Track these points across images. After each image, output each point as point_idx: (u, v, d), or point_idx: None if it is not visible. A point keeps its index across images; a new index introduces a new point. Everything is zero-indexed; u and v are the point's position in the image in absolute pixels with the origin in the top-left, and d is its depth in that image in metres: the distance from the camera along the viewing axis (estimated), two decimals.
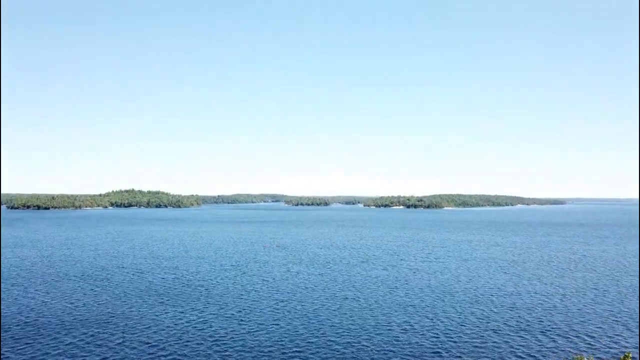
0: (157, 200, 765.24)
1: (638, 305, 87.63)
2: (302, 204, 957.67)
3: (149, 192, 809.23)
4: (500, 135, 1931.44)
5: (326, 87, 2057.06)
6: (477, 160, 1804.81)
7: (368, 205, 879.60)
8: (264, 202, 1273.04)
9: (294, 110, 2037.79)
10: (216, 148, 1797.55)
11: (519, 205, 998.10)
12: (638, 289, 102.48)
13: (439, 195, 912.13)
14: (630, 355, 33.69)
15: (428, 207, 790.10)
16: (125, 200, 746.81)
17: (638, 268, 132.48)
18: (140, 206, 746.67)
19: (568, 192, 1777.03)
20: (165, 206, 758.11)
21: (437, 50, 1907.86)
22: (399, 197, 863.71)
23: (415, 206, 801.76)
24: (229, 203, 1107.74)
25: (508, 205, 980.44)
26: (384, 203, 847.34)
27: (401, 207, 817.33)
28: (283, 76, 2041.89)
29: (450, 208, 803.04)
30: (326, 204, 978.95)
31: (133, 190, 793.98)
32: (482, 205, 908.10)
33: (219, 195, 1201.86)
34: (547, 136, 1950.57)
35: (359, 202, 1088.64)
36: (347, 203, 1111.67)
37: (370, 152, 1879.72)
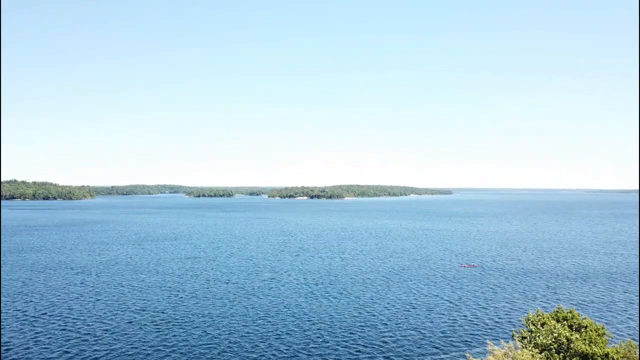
0: (44, 192, 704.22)
1: None
2: (204, 195, 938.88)
3: (34, 183, 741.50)
4: (395, 129, 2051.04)
5: (230, 81, 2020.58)
6: (375, 152, 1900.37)
7: (273, 196, 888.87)
8: (162, 193, 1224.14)
9: (195, 100, 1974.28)
10: (107, 135, 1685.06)
11: (412, 195, 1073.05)
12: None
13: (340, 186, 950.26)
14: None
15: (330, 197, 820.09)
16: (7, 192, 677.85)
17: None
18: (25, 198, 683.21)
19: (454, 183, 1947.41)
20: (55, 198, 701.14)
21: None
22: (302, 187, 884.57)
23: (319, 196, 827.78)
24: (124, 195, 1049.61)
25: (402, 195, 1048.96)
26: (289, 194, 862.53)
27: (305, 197, 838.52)
28: (185, 68, 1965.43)
29: (350, 198, 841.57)
30: (230, 195, 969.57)
31: (15, 180, 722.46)
32: (379, 195, 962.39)
33: (112, 187, 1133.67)
34: (438, 134, 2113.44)
35: (263, 193, 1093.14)
36: (251, 194, 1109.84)
37: (274, 144, 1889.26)
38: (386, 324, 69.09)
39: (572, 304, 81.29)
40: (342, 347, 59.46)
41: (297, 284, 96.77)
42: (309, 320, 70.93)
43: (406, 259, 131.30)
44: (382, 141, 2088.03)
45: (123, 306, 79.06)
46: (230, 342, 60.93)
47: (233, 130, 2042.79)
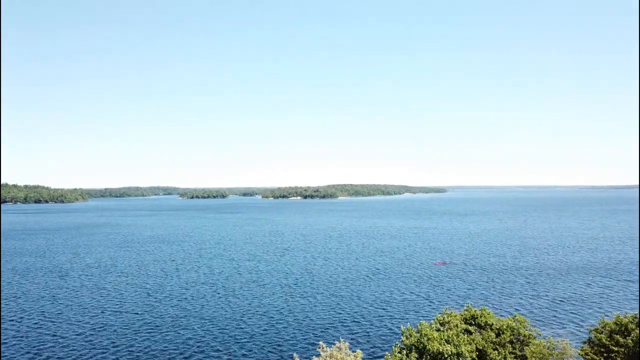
0: (36, 195, 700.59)
1: None
2: (197, 197, 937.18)
3: (25, 186, 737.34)
4: (390, 128, 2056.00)
5: (224, 82, 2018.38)
6: (369, 151, 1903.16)
7: (266, 197, 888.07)
8: (156, 195, 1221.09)
9: (189, 101, 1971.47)
10: (101, 137, 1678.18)
11: (406, 194, 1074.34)
12: None
13: (334, 186, 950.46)
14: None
15: (323, 197, 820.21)
16: None
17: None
18: (16, 202, 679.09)
19: (449, 181, 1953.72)
20: (46, 201, 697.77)
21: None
22: (296, 187, 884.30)
23: (312, 196, 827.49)
24: (117, 197, 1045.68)
25: (397, 193, 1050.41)
26: (282, 194, 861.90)
27: (298, 197, 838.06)
28: (179, 70, 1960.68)
29: (344, 197, 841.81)
30: (223, 196, 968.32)
31: (6, 184, 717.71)
32: (373, 194, 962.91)
33: (105, 189, 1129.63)
34: (433, 132, 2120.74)
35: (256, 194, 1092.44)
36: (244, 195, 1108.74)
37: (268, 145, 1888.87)
38: (357, 322, 68.91)
39: (546, 300, 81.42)
40: (309, 344, 59.14)
41: (276, 285, 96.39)
42: (282, 320, 70.62)
43: (389, 257, 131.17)
44: (376, 140, 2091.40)
45: (97, 309, 78.43)
46: (201, 344, 60.50)
47: (228, 131, 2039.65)
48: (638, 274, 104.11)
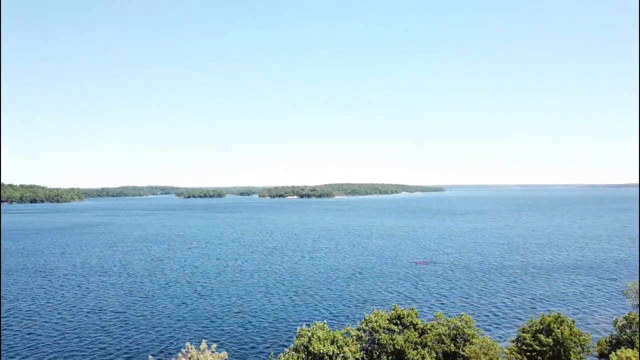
0: (32, 195, 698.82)
1: None
2: (194, 196, 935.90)
3: (21, 186, 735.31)
4: (388, 127, 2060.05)
5: (221, 82, 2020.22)
6: (367, 150, 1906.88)
7: (263, 196, 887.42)
8: (153, 194, 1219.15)
9: (187, 101, 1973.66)
10: (98, 136, 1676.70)
11: (404, 193, 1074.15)
12: None
13: (330, 185, 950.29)
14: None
15: (320, 196, 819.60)
16: None
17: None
18: (12, 202, 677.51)
19: (447, 180, 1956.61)
20: (42, 201, 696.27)
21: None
22: (292, 187, 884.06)
23: (309, 195, 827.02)
24: (114, 197, 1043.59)
25: (394, 192, 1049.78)
26: (279, 193, 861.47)
27: (295, 197, 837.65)
28: (176, 69, 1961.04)
29: (341, 197, 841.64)
30: (220, 195, 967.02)
31: (3, 184, 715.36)
32: (370, 194, 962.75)
33: (103, 188, 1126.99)
34: (431, 131, 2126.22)
35: (254, 193, 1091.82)
36: (242, 194, 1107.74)
37: (264, 143, 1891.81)
38: (331, 321, 68.65)
39: (527, 298, 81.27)
40: (279, 346, 58.92)
41: (258, 285, 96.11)
42: (259, 320, 70.40)
43: (375, 256, 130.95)
44: (375, 140, 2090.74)
45: (77, 308, 78.13)
46: (174, 343, 60.23)
47: (226, 131, 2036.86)
48: (638, 272, 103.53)
